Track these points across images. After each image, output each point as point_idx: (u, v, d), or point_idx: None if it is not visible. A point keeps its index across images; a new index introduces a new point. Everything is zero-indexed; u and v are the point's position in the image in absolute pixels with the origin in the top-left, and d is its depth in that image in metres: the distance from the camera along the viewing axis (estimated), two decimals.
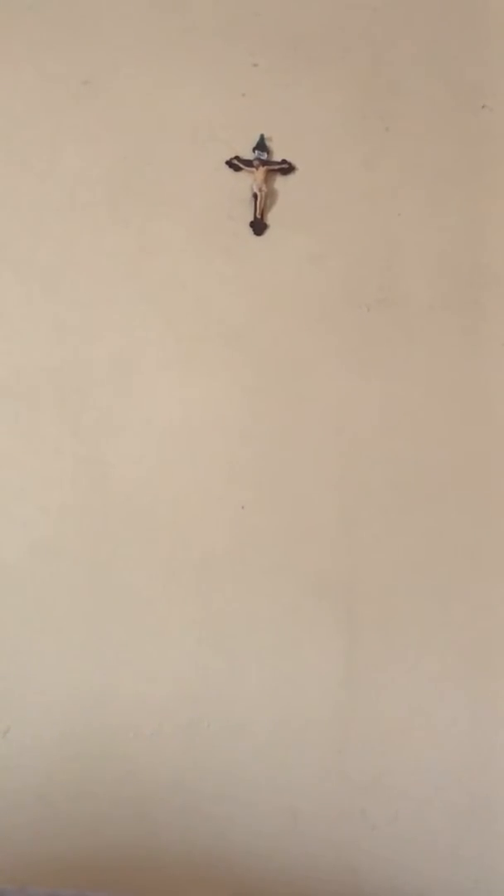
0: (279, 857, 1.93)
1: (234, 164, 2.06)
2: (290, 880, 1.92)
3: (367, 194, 2.09)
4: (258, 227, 2.06)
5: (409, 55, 2.12)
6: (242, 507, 2.00)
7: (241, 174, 2.07)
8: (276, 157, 2.08)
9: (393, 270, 2.07)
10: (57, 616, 1.95)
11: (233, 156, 2.07)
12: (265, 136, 2.08)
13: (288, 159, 2.08)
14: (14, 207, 2.05)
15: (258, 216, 2.06)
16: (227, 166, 2.07)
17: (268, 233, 2.07)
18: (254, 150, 2.07)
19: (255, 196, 2.05)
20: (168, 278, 2.06)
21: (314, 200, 2.08)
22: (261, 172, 2.05)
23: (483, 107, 2.11)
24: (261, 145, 2.07)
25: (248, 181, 2.06)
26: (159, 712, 1.94)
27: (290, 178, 2.09)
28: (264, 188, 2.06)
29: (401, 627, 1.99)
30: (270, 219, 2.08)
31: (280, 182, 2.09)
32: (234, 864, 1.92)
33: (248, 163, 2.06)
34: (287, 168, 2.08)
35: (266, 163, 2.06)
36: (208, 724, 1.95)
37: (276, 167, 2.07)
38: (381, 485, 2.02)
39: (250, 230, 2.06)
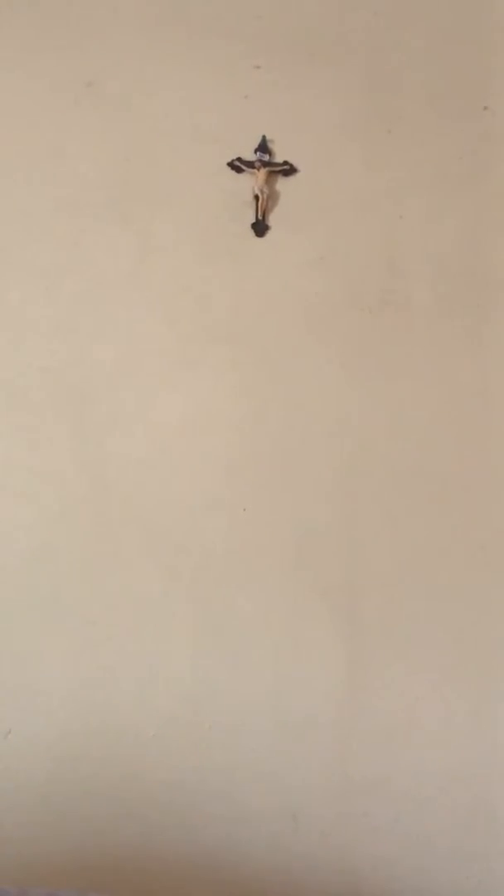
0: (281, 858, 1.93)
1: (236, 165, 2.06)
2: (292, 882, 1.92)
3: (368, 196, 2.09)
4: (260, 228, 2.06)
5: (410, 57, 2.12)
6: (244, 509, 2.00)
7: (242, 176, 2.07)
8: (278, 159, 2.08)
9: (395, 272, 2.07)
10: (58, 618, 1.96)
11: (234, 157, 2.07)
12: (267, 137, 2.08)
13: (290, 161, 2.08)
14: (16, 208, 2.06)
15: (260, 218, 2.06)
16: (228, 168, 2.07)
17: (269, 234, 2.07)
18: (255, 151, 2.06)
19: (256, 198, 2.05)
20: (169, 279, 2.06)
21: (316, 202, 2.08)
22: (262, 174, 2.05)
23: (485, 108, 2.11)
24: (262, 147, 2.07)
25: (250, 183, 2.06)
26: (160, 714, 1.94)
27: (292, 179, 2.09)
28: (266, 190, 2.06)
29: (402, 629, 1.98)
30: (272, 220, 2.08)
31: (282, 184, 2.09)
32: (235, 865, 1.92)
33: (250, 164, 2.06)
34: (289, 170, 2.08)
35: (268, 164, 2.06)
36: (209, 725, 1.95)
37: (278, 169, 2.07)
38: (383, 486, 2.02)
39: (252, 232, 2.06)
